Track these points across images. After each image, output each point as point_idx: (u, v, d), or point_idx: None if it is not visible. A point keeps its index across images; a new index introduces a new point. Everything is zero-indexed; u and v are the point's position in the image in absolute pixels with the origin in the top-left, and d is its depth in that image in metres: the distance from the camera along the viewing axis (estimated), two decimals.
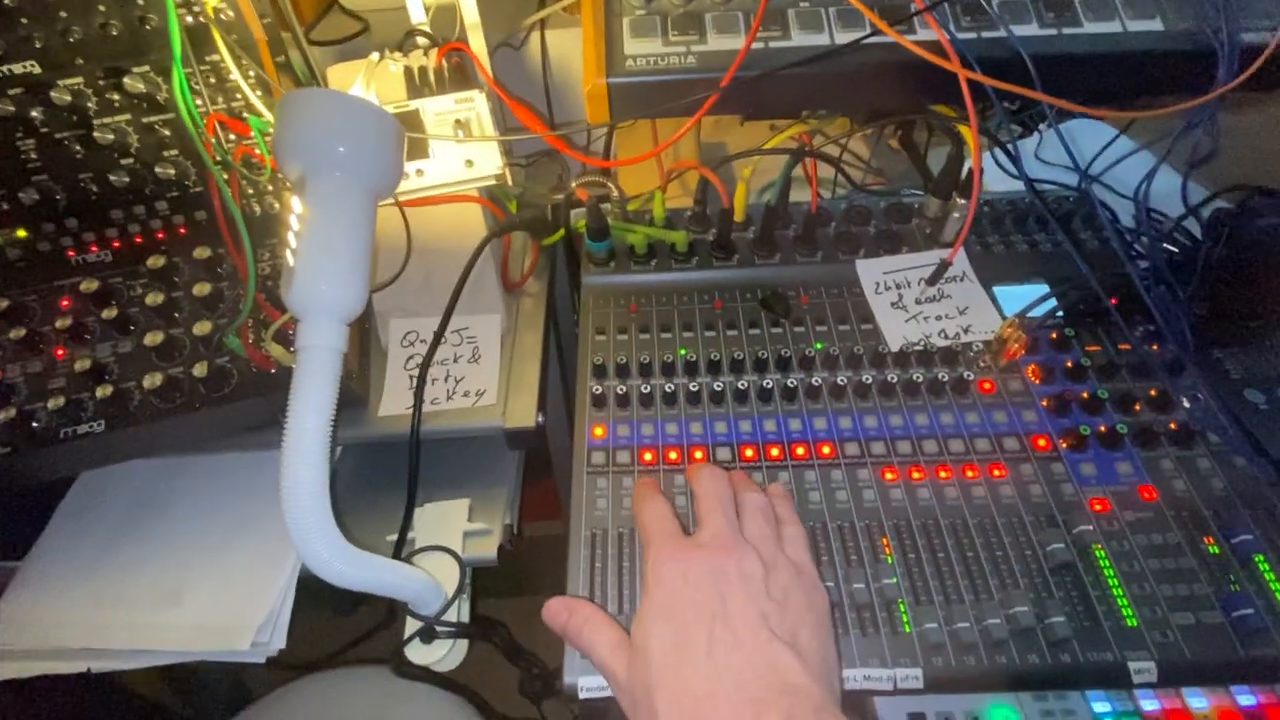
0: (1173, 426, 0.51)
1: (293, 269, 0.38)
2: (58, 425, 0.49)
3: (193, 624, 0.52)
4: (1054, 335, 0.57)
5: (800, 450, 0.51)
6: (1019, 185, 0.58)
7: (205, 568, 0.55)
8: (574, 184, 0.62)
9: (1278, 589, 0.43)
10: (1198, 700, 0.52)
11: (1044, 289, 0.60)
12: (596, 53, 0.49)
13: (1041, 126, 0.84)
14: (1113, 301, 0.57)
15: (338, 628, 1.02)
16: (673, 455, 0.51)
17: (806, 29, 0.49)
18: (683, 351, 0.57)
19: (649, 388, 0.53)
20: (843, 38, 0.48)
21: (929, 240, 0.63)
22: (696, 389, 0.53)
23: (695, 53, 0.49)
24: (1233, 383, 0.54)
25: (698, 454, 0.51)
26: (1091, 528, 0.45)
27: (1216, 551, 0.45)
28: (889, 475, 0.49)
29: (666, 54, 0.49)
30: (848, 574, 0.44)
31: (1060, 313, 0.58)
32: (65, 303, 0.53)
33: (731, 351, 0.56)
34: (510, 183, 0.66)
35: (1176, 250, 0.67)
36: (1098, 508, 0.47)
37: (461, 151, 0.62)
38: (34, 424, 0.49)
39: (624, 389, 0.54)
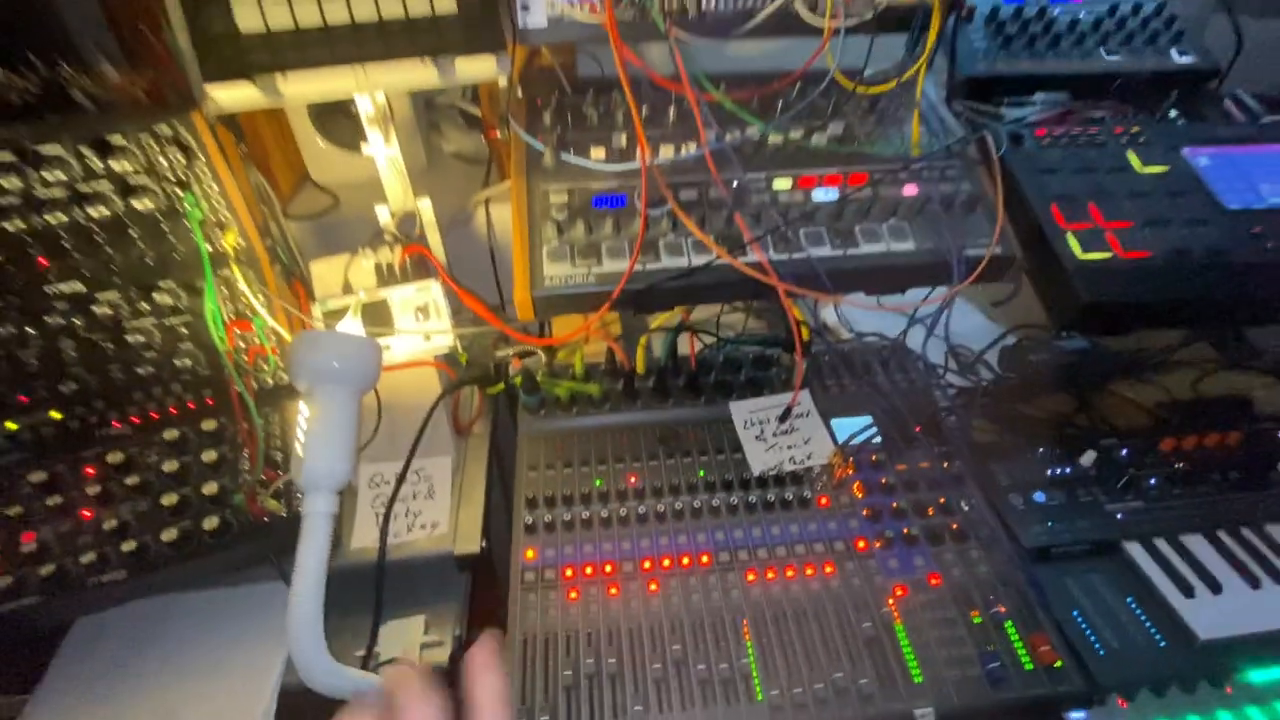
0: (954, 526, 0.69)
1: (301, 457, 0.53)
2: (87, 575, 0.60)
3: None
4: (873, 458, 0.76)
5: (685, 560, 0.67)
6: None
7: (198, 689, 0.65)
8: (511, 353, 0.80)
9: (1018, 645, 0.60)
10: None
11: (868, 420, 0.79)
12: (523, 272, 0.68)
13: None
14: (917, 429, 0.78)
15: None
16: (588, 570, 0.66)
17: (672, 254, 0.69)
18: (598, 483, 0.73)
19: (570, 515, 0.69)
20: (697, 260, 0.69)
21: (784, 385, 0.82)
22: (607, 515, 0.69)
23: (594, 273, 0.68)
24: (1001, 489, 0.74)
25: (608, 568, 0.66)
26: (892, 610, 0.62)
27: (979, 621, 0.62)
28: (750, 576, 0.65)
29: (573, 274, 0.68)
30: (716, 657, 0.59)
31: (878, 439, 0.78)
32: (90, 471, 0.65)
33: (634, 481, 0.73)
34: (460, 349, 0.83)
35: (978, 379, 0.89)
36: (899, 593, 0.64)
37: (420, 328, 0.79)
38: (67, 575, 0.60)
39: (550, 517, 0.70)
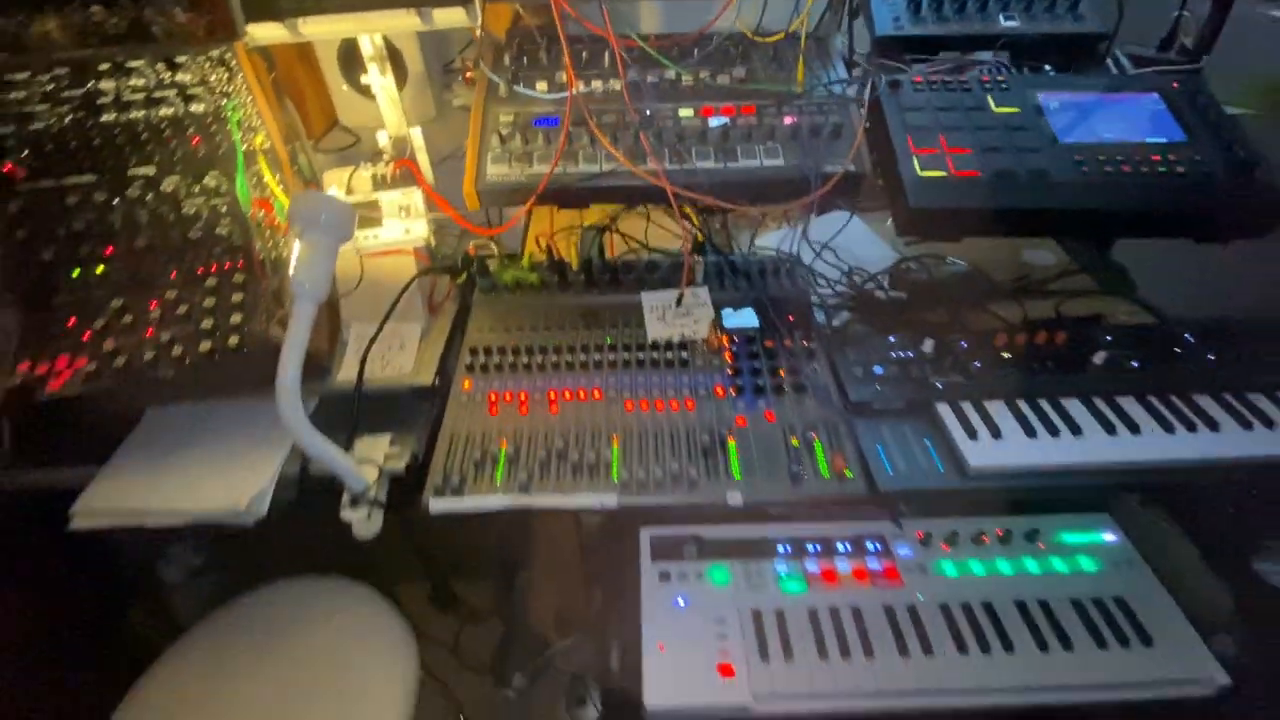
0: (797, 384, 0.87)
1: (292, 276, 0.74)
2: (145, 370, 0.84)
3: (208, 495, 0.85)
4: (748, 337, 0.94)
5: (582, 394, 0.86)
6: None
7: (224, 462, 0.88)
8: (470, 245, 1.01)
9: (821, 461, 0.78)
10: (843, 564, 0.87)
11: (751, 311, 0.97)
12: (471, 171, 0.89)
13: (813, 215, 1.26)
14: (789, 318, 0.95)
15: None
16: (508, 397, 0.87)
17: (587, 161, 0.89)
18: (526, 342, 0.93)
19: (500, 361, 0.90)
20: (607, 167, 0.88)
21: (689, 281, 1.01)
22: (529, 363, 0.89)
23: (525, 173, 0.88)
24: (847, 362, 0.91)
25: (521, 395, 0.87)
26: (726, 431, 0.81)
27: (796, 444, 0.80)
28: (628, 406, 0.85)
29: (509, 173, 0.89)
30: (584, 451, 0.79)
31: (755, 322, 0.95)
32: (154, 304, 0.89)
33: (556, 343, 0.93)
34: (433, 244, 1.05)
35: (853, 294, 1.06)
36: (738, 423, 0.82)
37: (402, 224, 1.01)
38: (131, 368, 0.84)
39: (485, 362, 0.91)
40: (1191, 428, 0.81)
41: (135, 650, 1.06)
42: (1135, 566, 0.90)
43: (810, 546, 0.92)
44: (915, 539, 0.93)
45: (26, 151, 0.86)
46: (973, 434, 0.80)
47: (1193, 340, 0.91)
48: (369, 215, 1.01)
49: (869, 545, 0.92)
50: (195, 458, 0.90)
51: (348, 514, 0.85)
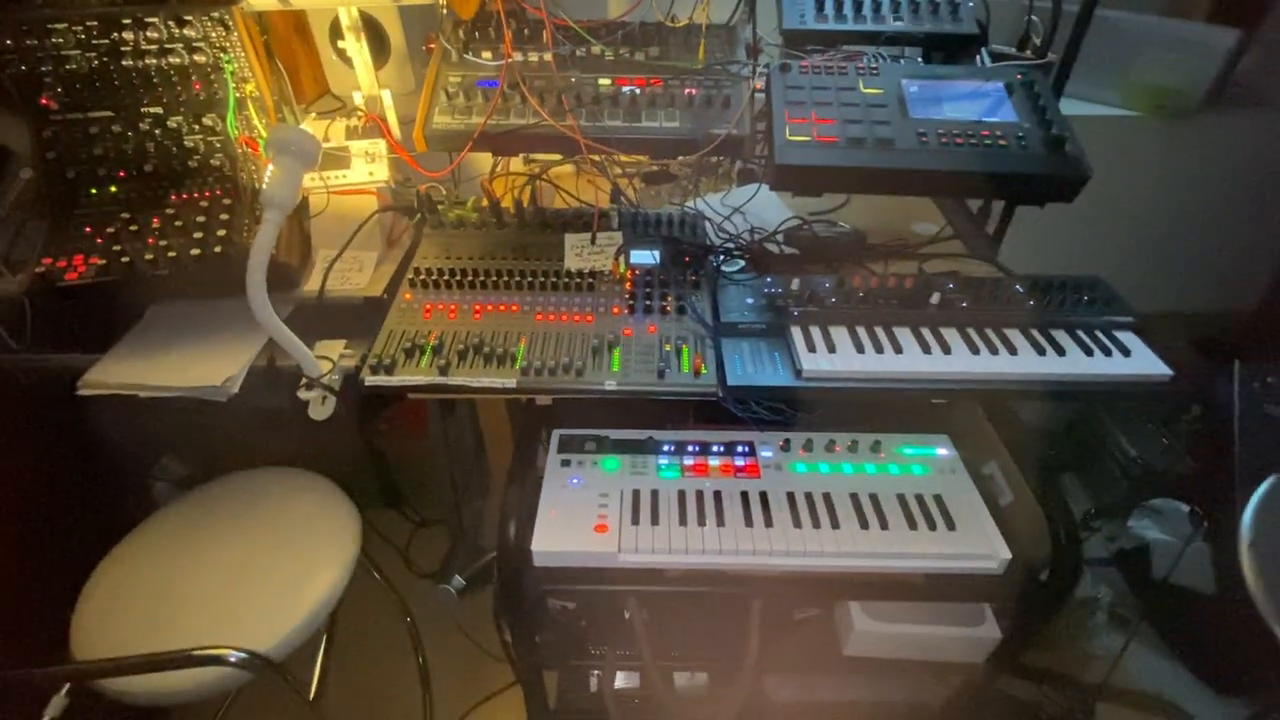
0: (680, 308, 1.05)
1: (263, 190, 0.93)
2: (146, 268, 1.03)
3: (193, 375, 1.04)
4: (648, 272, 1.12)
5: (502, 307, 1.05)
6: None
7: (207, 351, 1.07)
8: (422, 187, 1.20)
9: (684, 362, 0.96)
10: (714, 460, 1.06)
11: (655, 253, 1.16)
12: (421, 119, 1.08)
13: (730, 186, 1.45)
14: (685, 260, 1.14)
15: None
16: (440, 307, 1.05)
17: (517, 116, 1.08)
18: (462, 267, 1.12)
19: (439, 280, 1.08)
20: (532, 121, 1.07)
21: (603, 227, 1.19)
22: (462, 283, 1.08)
23: (465, 124, 1.07)
24: (726, 295, 1.09)
25: (452, 306, 1.05)
26: (614, 338, 0.99)
27: (668, 349, 0.98)
28: (539, 318, 1.03)
29: (452, 122, 1.08)
30: (495, 347, 0.97)
31: (656, 261, 1.14)
32: (156, 220, 1.08)
33: (486, 269, 1.11)
34: (393, 187, 1.24)
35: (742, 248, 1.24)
36: (625, 333, 1.01)
37: (368, 168, 1.20)
38: (135, 265, 1.03)
39: (425, 279, 1.09)
40: (995, 352, 0.99)
41: (124, 529, 1.24)
42: (959, 475, 1.08)
43: (690, 447, 1.10)
44: (777, 445, 1.11)
45: (60, 88, 1.06)
46: (812, 348, 0.98)
47: (1021, 290, 1.09)
48: (340, 157, 1.20)
49: (739, 448, 1.10)
50: (184, 347, 1.09)
51: (303, 394, 1.04)
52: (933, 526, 1.00)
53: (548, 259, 1.15)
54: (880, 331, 1.03)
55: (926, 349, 0.99)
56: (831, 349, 0.99)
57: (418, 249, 1.18)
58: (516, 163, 1.34)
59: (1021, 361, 0.97)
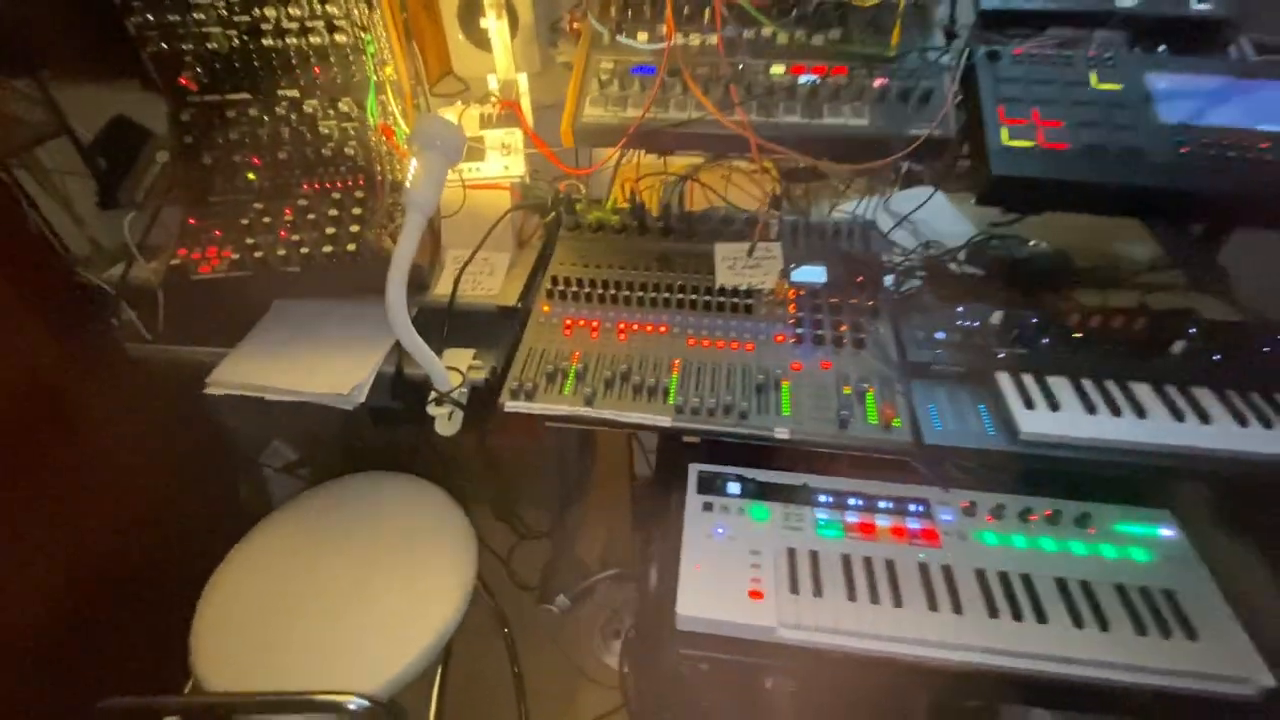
0: (859, 339, 0.90)
1: (408, 189, 0.84)
2: (278, 264, 0.97)
3: (319, 380, 0.97)
4: (815, 292, 0.97)
5: (649, 327, 0.93)
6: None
7: (333, 353, 1.00)
8: (560, 183, 1.09)
9: (870, 409, 0.81)
10: (883, 520, 0.91)
11: (822, 269, 1.00)
12: (570, 111, 0.96)
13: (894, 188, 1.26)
14: (858, 279, 0.98)
15: None
16: (581, 323, 0.94)
17: (678, 109, 0.94)
18: (603, 277, 1.00)
19: (578, 291, 0.97)
20: (695, 115, 0.93)
21: (761, 236, 1.05)
22: (603, 295, 0.96)
23: (619, 116, 0.95)
24: (910, 325, 0.92)
25: (594, 323, 0.94)
26: (781, 373, 0.85)
27: (848, 391, 0.83)
28: (690, 341, 0.90)
29: (605, 115, 0.95)
30: (645, 375, 0.85)
31: (823, 280, 0.98)
32: (289, 211, 1.02)
33: (629, 281, 0.99)
34: (529, 181, 1.13)
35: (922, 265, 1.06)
36: (795, 367, 0.86)
37: (502, 160, 1.10)
38: (266, 261, 0.97)
39: (564, 290, 0.98)
40: (1268, 424, 0.78)
41: (239, 521, 1.22)
42: (1190, 564, 0.88)
43: (852, 500, 0.95)
44: (959, 507, 0.94)
45: (199, 68, 1.00)
46: (1030, 403, 0.81)
47: None
48: (474, 148, 1.11)
49: (911, 506, 0.94)
50: (310, 348, 1.03)
51: (433, 409, 0.96)
52: (1166, 633, 0.81)
53: (696, 272, 1.02)
54: (1112, 386, 0.84)
55: (1178, 414, 0.80)
56: (1054, 406, 0.81)
57: (554, 254, 1.07)
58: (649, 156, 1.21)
59: None
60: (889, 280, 0.99)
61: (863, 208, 1.15)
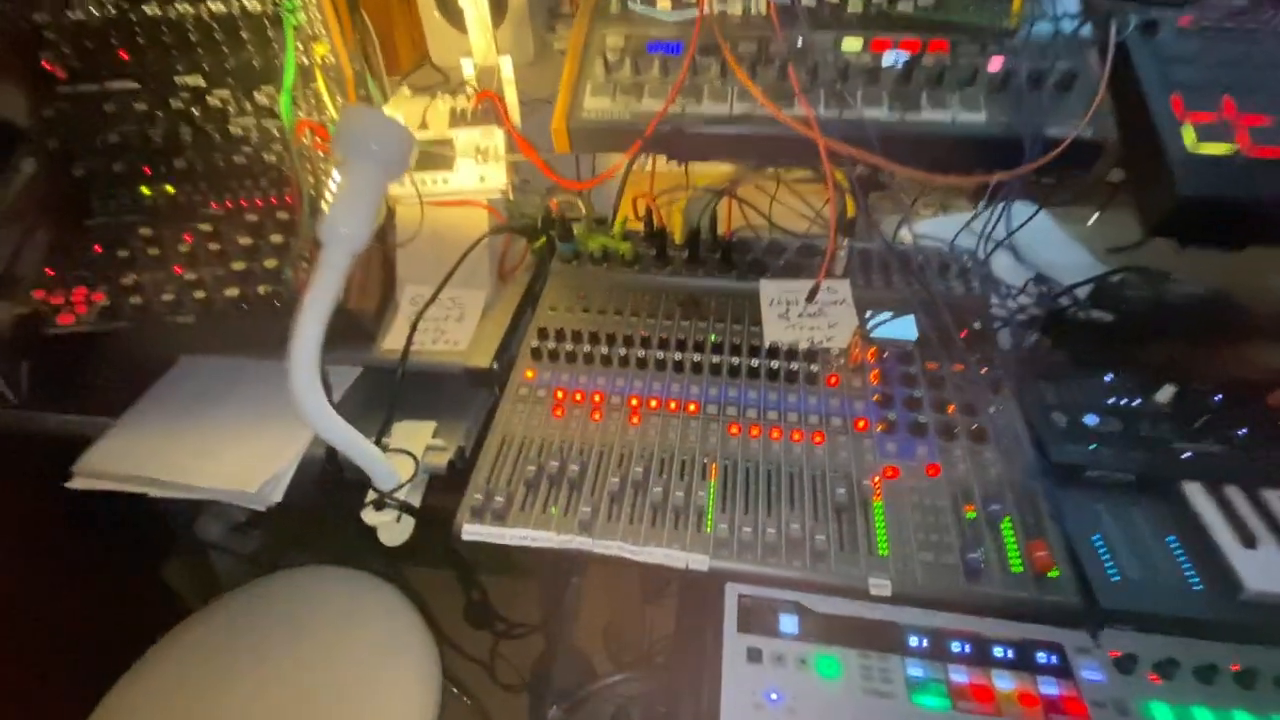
0: (974, 428, 0.63)
1: (326, 214, 0.58)
2: (165, 313, 0.71)
3: (222, 471, 0.71)
4: (902, 353, 0.70)
5: (673, 405, 0.66)
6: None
7: (240, 439, 0.75)
8: (552, 199, 0.82)
9: (1011, 547, 0.54)
10: (1003, 681, 0.64)
11: (911, 320, 0.73)
12: (564, 104, 0.70)
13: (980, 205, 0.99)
14: (962, 334, 0.71)
15: None
16: (578, 396, 0.67)
17: (714, 100, 0.67)
18: (609, 328, 0.73)
19: (574, 350, 0.70)
20: (739, 109, 0.67)
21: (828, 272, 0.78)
22: (609, 355, 0.70)
23: (632, 110, 0.68)
24: (1043, 405, 0.66)
25: (596, 397, 0.67)
26: (875, 486, 0.58)
27: (973, 516, 0.56)
28: (733, 430, 0.63)
29: (612, 109, 0.68)
30: (670, 485, 0.58)
31: (912, 336, 0.71)
32: (188, 237, 0.76)
33: (643, 332, 0.72)
34: (511, 198, 0.87)
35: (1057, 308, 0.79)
36: (887, 474, 0.59)
37: (478, 169, 0.84)
38: (150, 309, 0.71)
39: (556, 348, 0.72)
40: None
41: (162, 615, 0.95)
42: None
43: (956, 645, 0.68)
44: (1109, 659, 0.67)
45: (66, 47, 0.74)
46: (1249, 540, 0.54)
47: None
48: (440, 154, 0.84)
49: (1040, 657, 0.67)
50: (217, 422, 0.77)
51: (371, 517, 0.69)
52: None
53: (735, 319, 0.75)
54: None
55: None
56: None
57: (543, 293, 0.80)
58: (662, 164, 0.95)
59: None
60: (1004, 335, 0.72)
61: (939, 230, 0.87)
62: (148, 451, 0.74)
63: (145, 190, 0.78)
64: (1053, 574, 0.52)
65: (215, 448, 0.74)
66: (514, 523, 0.58)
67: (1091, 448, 0.61)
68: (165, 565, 1.26)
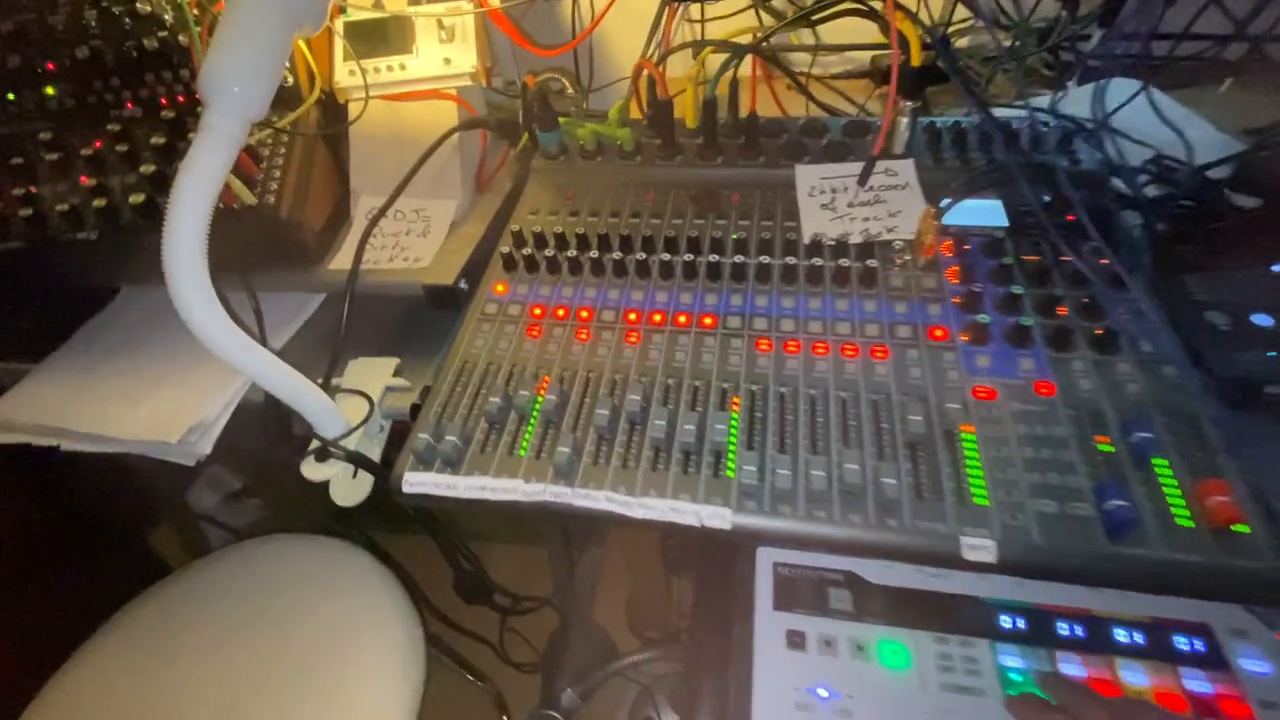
0: (1098, 332, 0.45)
1: (204, 61, 0.44)
2: (65, 230, 0.59)
3: (141, 420, 0.59)
4: (990, 242, 0.52)
5: (682, 319, 0.50)
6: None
7: (168, 383, 0.62)
8: (528, 74, 0.66)
9: (1171, 491, 0.37)
10: (1132, 674, 0.47)
11: (998, 204, 0.56)
12: None
13: (1069, 82, 0.79)
14: (1068, 218, 0.53)
15: None
16: (560, 312, 0.52)
17: None
18: (601, 229, 0.58)
19: (556, 255, 0.55)
20: None
21: (882, 151, 0.60)
22: (599, 259, 0.54)
23: None
24: (1195, 304, 0.48)
25: (583, 313, 0.52)
26: (961, 408, 0.41)
27: (1109, 450, 0.39)
28: (762, 345, 0.47)
29: None
30: (684, 420, 0.43)
31: (1004, 222, 0.54)
32: (98, 143, 0.64)
33: (646, 235, 0.57)
34: (485, 84, 0.71)
35: (1180, 194, 0.60)
36: (978, 394, 0.43)
37: (441, 50, 0.68)
38: (47, 226, 0.59)
39: (533, 254, 0.56)
40: None
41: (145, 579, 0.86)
42: None
43: (1064, 626, 0.51)
44: (1273, 642, 0.49)
45: None
46: None
47: None
48: (394, 33, 0.69)
49: (1179, 642, 0.50)
50: (148, 365, 0.65)
51: (311, 469, 0.56)
52: None
53: (763, 214, 0.58)
54: None
55: None
56: None
57: (523, 192, 0.65)
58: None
59: None
60: (1146, 220, 0.54)
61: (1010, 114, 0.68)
62: (64, 399, 0.63)
63: (49, 90, 0.65)
64: (1239, 529, 0.35)
65: (139, 393, 0.62)
66: (470, 469, 0.43)
67: (1271, 354, 0.43)
68: (153, 537, 1.18)
